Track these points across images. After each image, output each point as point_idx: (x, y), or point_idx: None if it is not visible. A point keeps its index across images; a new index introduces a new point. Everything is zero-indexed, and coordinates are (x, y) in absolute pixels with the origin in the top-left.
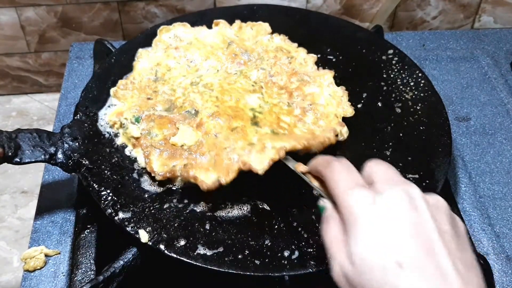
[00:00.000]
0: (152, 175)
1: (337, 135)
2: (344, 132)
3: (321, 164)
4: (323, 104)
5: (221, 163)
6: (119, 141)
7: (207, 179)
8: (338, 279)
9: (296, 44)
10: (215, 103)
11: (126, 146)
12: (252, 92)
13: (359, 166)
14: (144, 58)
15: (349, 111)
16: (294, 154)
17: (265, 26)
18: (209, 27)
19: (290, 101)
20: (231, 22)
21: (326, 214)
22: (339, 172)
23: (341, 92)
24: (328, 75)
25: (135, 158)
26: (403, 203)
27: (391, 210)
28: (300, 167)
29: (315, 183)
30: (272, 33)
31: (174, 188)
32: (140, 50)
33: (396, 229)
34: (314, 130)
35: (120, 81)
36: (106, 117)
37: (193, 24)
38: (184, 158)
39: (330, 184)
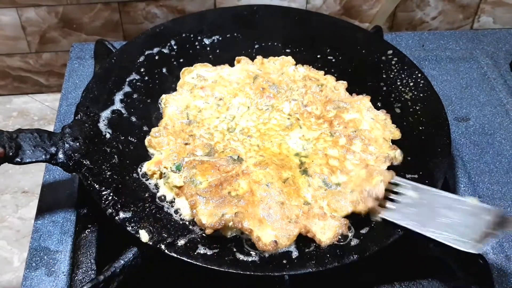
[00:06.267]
0: (203, 228)
1: (391, 163)
2: (398, 155)
3: None
4: (367, 129)
5: (277, 219)
6: (160, 192)
7: (264, 235)
8: None
9: (322, 72)
10: (258, 152)
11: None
12: (290, 129)
13: None
14: (171, 103)
15: (397, 134)
16: None
17: (289, 59)
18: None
19: (332, 130)
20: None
21: None
22: None
23: (383, 115)
24: (365, 99)
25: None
26: None
27: None
28: None
29: None
30: (295, 64)
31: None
32: (163, 96)
33: None
34: (366, 160)
35: (152, 130)
36: (144, 168)
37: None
38: (233, 205)
39: None
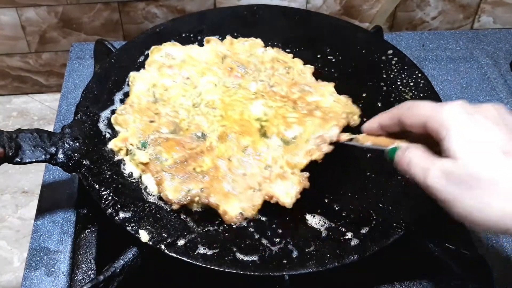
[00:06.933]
0: (169, 204)
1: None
2: (356, 118)
3: (395, 113)
4: (328, 106)
5: (241, 191)
6: (127, 168)
7: (230, 209)
8: (437, 181)
9: (291, 55)
10: (221, 123)
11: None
12: (255, 99)
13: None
14: (138, 81)
15: (357, 110)
16: None
17: (258, 40)
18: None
19: (295, 106)
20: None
21: (402, 148)
22: (420, 104)
23: (345, 99)
24: (329, 86)
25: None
26: (490, 109)
27: (480, 112)
28: (344, 136)
29: (368, 143)
30: (265, 46)
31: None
32: (131, 73)
33: (492, 127)
34: (326, 117)
35: (118, 108)
36: (111, 145)
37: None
38: (199, 181)
39: (416, 114)
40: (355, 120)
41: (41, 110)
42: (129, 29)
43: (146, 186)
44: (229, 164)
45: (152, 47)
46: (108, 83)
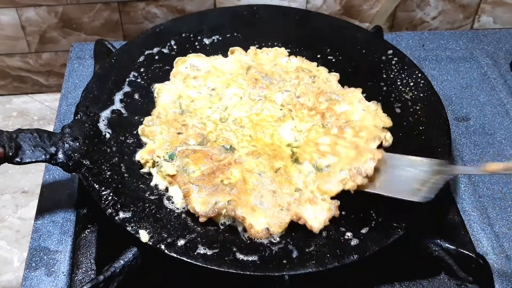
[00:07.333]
0: (196, 216)
1: (380, 144)
2: (388, 137)
3: None
4: (358, 119)
5: (269, 206)
6: (153, 181)
7: (256, 223)
8: None
9: (315, 63)
10: (251, 143)
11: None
12: (283, 121)
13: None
14: (164, 92)
15: (388, 121)
16: None
17: (282, 50)
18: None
19: (323, 122)
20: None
21: None
22: None
23: (374, 106)
24: (356, 92)
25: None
26: None
27: None
28: (493, 166)
29: None
30: (289, 55)
31: (220, 225)
32: (156, 85)
33: None
34: (357, 142)
35: (146, 118)
36: (137, 157)
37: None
38: (226, 193)
39: None
40: (387, 140)
41: (41, 110)
42: (129, 29)
43: (169, 197)
44: (259, 179)
45: (177, 58)
46: (108, 83)
